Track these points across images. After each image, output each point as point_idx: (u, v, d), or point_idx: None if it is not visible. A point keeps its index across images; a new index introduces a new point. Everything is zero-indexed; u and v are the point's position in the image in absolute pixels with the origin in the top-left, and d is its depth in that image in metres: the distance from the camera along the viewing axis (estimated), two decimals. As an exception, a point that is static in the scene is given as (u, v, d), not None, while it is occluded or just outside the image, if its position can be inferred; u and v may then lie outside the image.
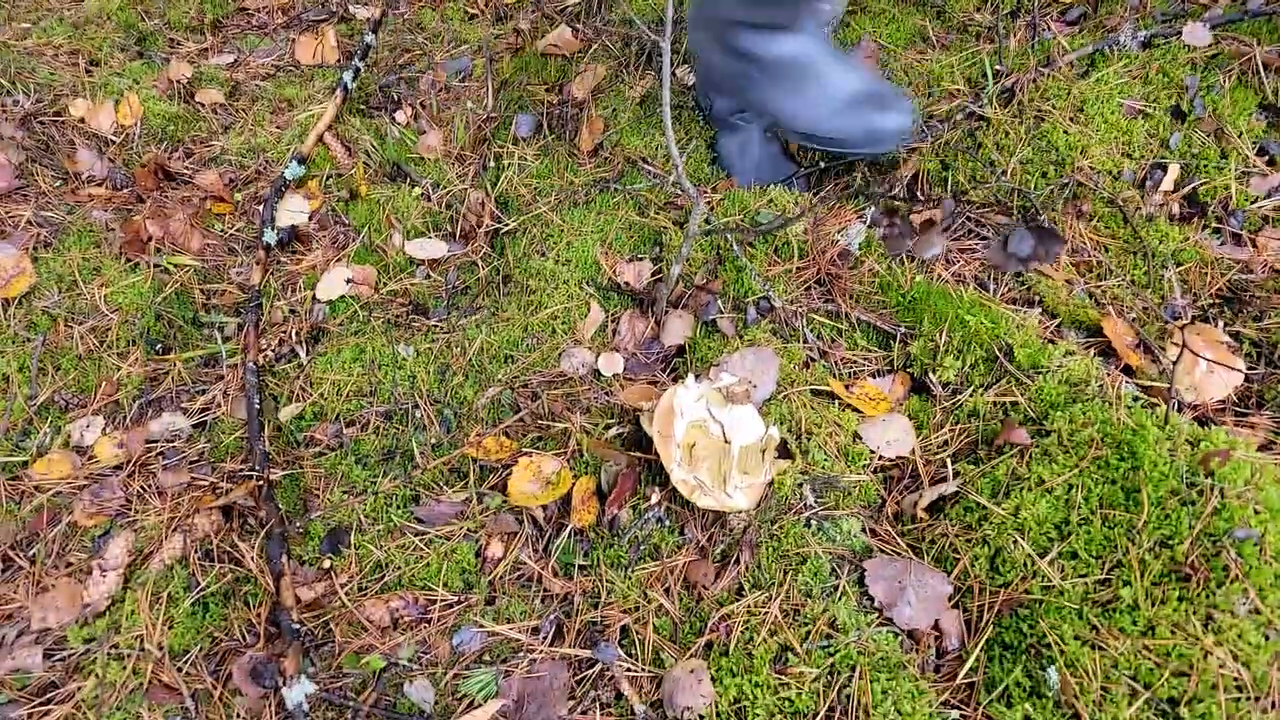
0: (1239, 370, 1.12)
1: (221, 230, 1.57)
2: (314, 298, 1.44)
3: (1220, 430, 1.02)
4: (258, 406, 1.26)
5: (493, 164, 1.65)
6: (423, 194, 1.61)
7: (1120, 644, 0.89)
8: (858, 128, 1.34)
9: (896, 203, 1.31)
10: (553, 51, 1.82)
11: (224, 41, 2.07)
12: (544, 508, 1.14)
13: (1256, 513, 0.92)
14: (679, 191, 1.45)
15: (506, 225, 1.54)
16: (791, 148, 1.65)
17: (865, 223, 1.36)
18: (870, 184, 1.41)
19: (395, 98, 1.84)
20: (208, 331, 1.41)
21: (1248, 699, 0.84)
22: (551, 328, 1.35)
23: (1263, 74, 1.39)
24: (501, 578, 1.08)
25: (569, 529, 1.11)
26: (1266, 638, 0.86)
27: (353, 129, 1.72)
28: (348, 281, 1.44)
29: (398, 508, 1.15)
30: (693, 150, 1.57)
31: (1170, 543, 0.92)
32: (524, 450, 1.19)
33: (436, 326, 1.40)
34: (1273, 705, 0.83)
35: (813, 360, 1.25)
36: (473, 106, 1.76)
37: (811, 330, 1.27)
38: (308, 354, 1.36)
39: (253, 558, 1.09)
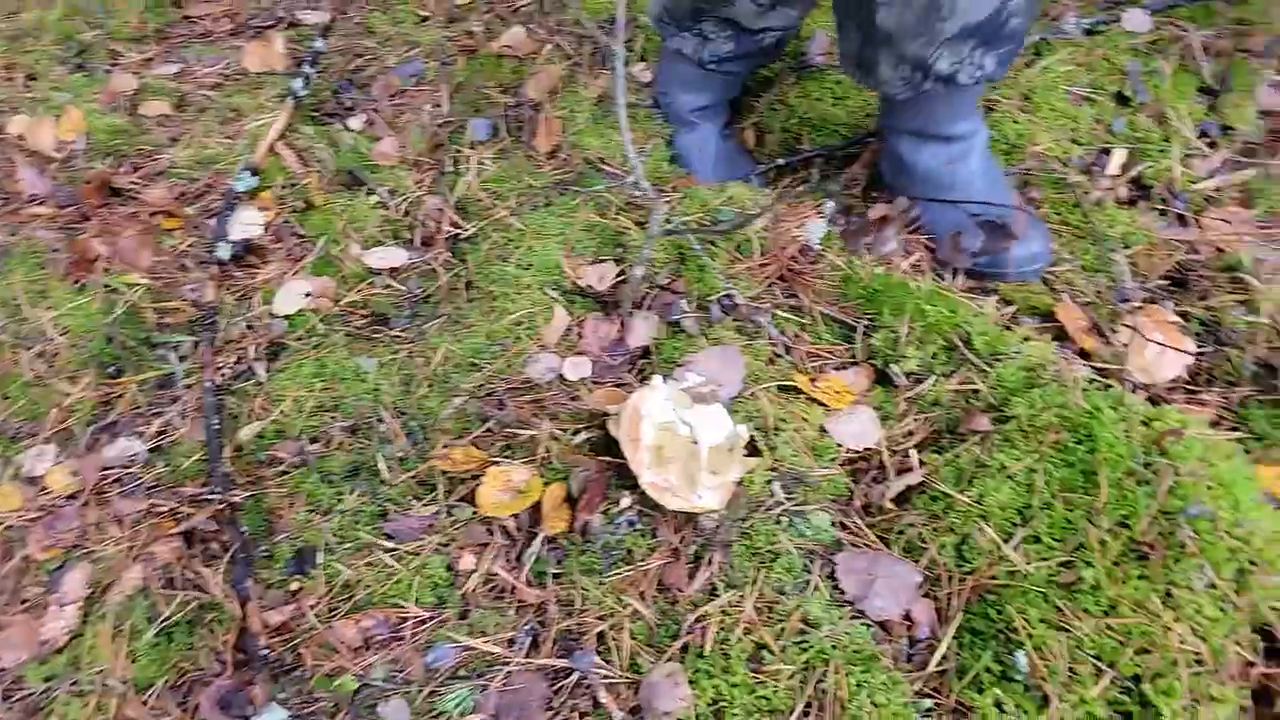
0: (1188, 350, 1.15)
1: (172, 246, 1.54)
2: (271, 312, 1.42)
3: (1172, 409, 1.04)
4: (217, 427, 1.24)
5: (450, 169, 1.64)
6: (380, 202, 1.59)
7: (1084, 624, 0.91)
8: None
9: (852, 199, 1.32)
10: (507, 53, 1.80)
11: (168, 51, 2.02)
12: (515, 517, 1.13)
13: (1209, 489, 0.95)
14: (639, 193, 1.45)
15: (466, 231, 1.53)
16: (749, 145, 1.66)
17: (824, 218, 1.37)
18: (827, 179, 1.42)
19: (348, 104, 1.82)
20: (161, 352, 1.38)
21: (1208, 672, 0.86)
22: (516, 334, 1.34)
23: (1200, 58, 1.42)
24: (474, 590, 1.07)
25: (541, 537, 1.10)
26: (1223, 611, 0.89)
27: (305, 137, 1.70)
28: (305, 295, 1.42)
29: (365, 524, 1.14)
30: (651, 150, 1.57)
31: (1128, 522, 0.95)
32: (493, 460, 1.18)
33: (398, 337, 1.39)
34: (1230, 677, 0.86)
35: (778, 356, 1.26)
36: (428, 111, 1.74)
37: (775, 326, 1.28)
38: (267, 371, 1.34)
39: (217, 583, 1.07)
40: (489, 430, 1.22)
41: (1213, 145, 1.38)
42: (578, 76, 1.68)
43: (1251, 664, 0.87)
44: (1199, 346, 1.20)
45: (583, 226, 1.44)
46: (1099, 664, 0.89)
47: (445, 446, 1.20)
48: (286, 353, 1.37)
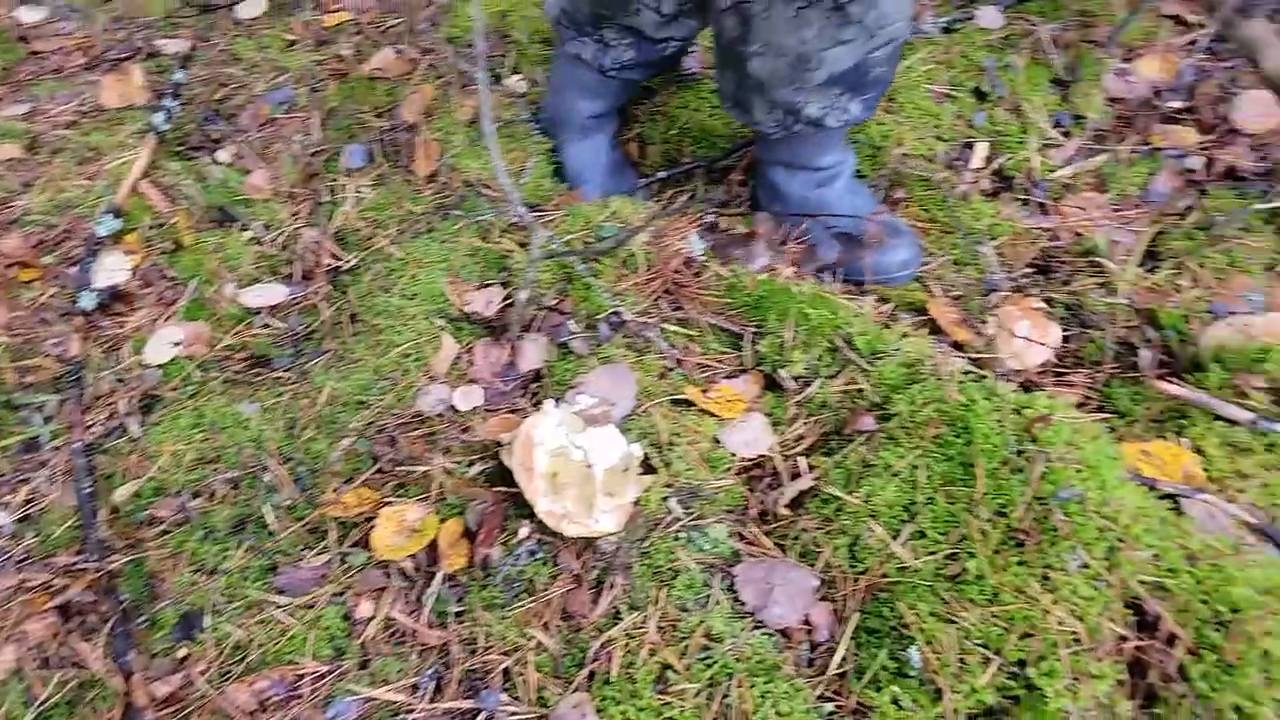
0: (1053, 336, 1.20)
1: (31, 299, 1.45)
2: (142, 363, 1.35)
3: (1041, 395, 1.08)
4: (89, 490, 1.17)
5: (327, 198, 1.59)
6: (254, 237, 1.54)
7: (971, 614, 0.94)
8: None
9: (728, 215, 1.33)
10: (378, 75, 1.76)
11: (16, 90, 1.91)
12: (412, 557, 1.11)
13: (1078, 471, 0.99)
14: (517, 218, 1.43)
15: (347, 262, 1.49)
16: (633, 156, 1.66)
17: (706, 229, 1.39)
18: (708, 191, 1.44)
19: (215, 136, 1.75)
20: (24, 414, 1.30)
21: (1086, 650, 0.90)
22: (404, 366, 1.31)
23: (1050, 50, 1.49)
24: (374, 638, 1.04)
25: (440, 576, 1.08)
26: (1096, 589, 0.93)
27: (171, 174, 1.62)
28: (177, 343, 1.36)
29: (254, 580, 1.09)
30: (532, 167, 1.56)
31: (1006, 511, 0.98)
32: (386, 500, 1.16)
33: (281, 378, 1.34)
34: (1107, 654, 0.90)
35: (668, 370, 1.26)
36: (299, 139, 1.69)
37: (665, 340, 1.29)
38: (141, 425, 1.28)
39: (97, 658, 1.02)
40: (380, 470, 1.19)
41: (1066, 134, 1.45)
42: (451, 96, 1.65)
43: (1125, 638, 0.91)
44: (1065, 330, 1.25)
45: (466, 251, 1.42)
46: (986, 652, 0.92)
47: (335, 490, 1.17)
48: (161, 404, 1.31)
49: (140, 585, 1.11)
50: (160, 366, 1.35)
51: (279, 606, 1.07)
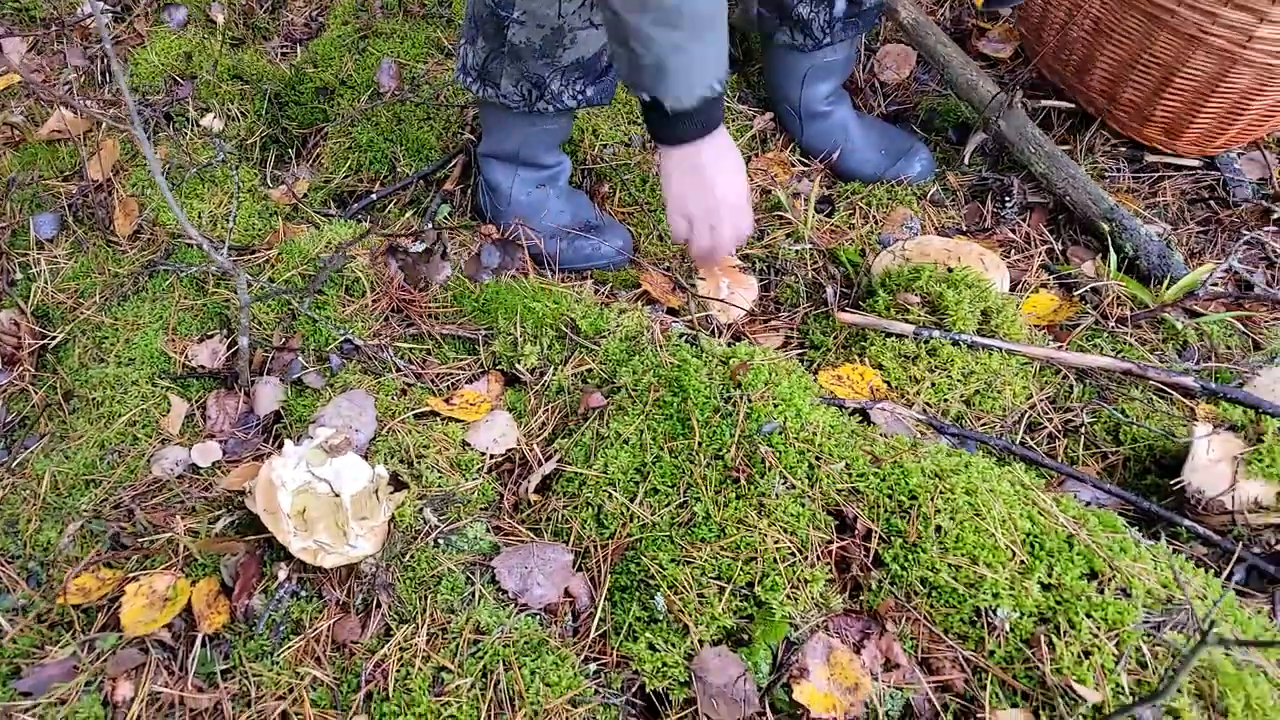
0: (752, 289, 1.33)
1: None
2: None
3: (742, 345, 1.21)
4: None
5: (19, 276, 1.48)
6: (-59, 331, 1.41)
7: (703, 553, 1.04)
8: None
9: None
10: (59, 137, 1.65)
11: None
12: (168, 627, 1.08)
13: (776, 406, 1.11)
14: (215, 268, 1.39)
15: (53, 339, 1.40)
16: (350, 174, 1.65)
17: (426, 243, 1.41)
18: (427, 205, 1.46)
19: (-124, 227, 1.58)
20: None
21: (802, 560, 1.02)
22: (132, 435, 1.26)
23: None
24: (139, 717, 1.01)
25: (200, 637, 1.06)
26: (803, 506, 1.05)
27: None
28: None
29: (-7, 692, 1.03)
30: (238, 207, 1.52)
31: (721, 454, 1.09)
32: (131, 576, 1.11)
33: (-4, 475, 1.25)
34: (818, 559, 1.03)
35: (409, 385, 1.29)
36: (-22, 216, 1.56)
37: (400, 357, 1.31)
38: None
39: None
40: (121, 545, 1.15)
41: (744, 101, 1.59)
42: (142, 148, 1.58)
43: (831, 542, 1.04)
44: (765, 280, 1.39)
45: (181, 306, 1.38)
46: (720, 582, 1.02)
47: (70, 578, 1.11)
48: None
49: None
50: None
51: (27, 710, 1.01)
